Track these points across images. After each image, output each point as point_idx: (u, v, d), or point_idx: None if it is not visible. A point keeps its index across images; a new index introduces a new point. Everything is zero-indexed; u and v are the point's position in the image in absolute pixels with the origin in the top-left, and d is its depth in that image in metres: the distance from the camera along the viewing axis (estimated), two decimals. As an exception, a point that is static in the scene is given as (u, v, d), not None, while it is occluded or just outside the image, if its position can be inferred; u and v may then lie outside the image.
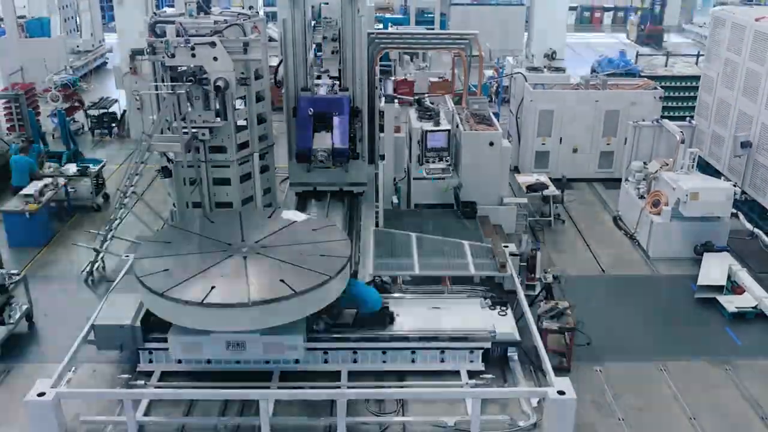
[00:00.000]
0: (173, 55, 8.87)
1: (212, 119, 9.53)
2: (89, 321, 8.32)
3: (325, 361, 8.34)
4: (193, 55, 8.91)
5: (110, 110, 17.69)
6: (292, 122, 10.51)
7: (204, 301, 7.42)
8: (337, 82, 10.74)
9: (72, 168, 13.06)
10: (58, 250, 11.76)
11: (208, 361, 8.43)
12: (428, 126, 11.85)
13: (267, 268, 8.06)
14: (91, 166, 13.23)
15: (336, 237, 8.79)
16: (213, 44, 8.91)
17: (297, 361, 8.30)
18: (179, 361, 8.43)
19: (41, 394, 7.18)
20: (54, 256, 11.56)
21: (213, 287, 7.63)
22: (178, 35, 8.94)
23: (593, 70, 17.28)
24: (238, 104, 10.02)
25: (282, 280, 7.73)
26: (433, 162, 11.77)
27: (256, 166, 10.29)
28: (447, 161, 11.65)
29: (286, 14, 9.93)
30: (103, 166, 13.57)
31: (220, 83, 9.04)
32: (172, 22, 9.15)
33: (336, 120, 9.98)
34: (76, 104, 17.07)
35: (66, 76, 16.85)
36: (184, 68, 9.13)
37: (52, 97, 14.16)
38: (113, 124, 17.38)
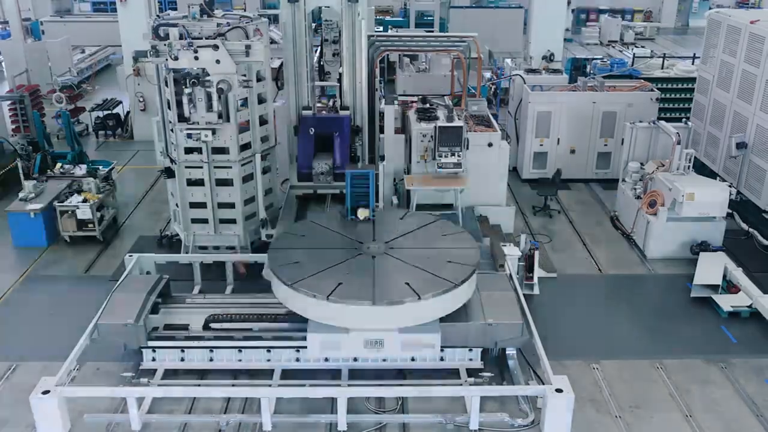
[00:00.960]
0: (176, 58, 8.98)
1: (215, 121, 9.65)
2: (93, 319, 8.39)
3: (326, 359, 8.44)
4: (196, 58, 9.02)
5: (114, 112, 17.81)
6: (293, 140, 10.85)
7: (329, 297, 7.66)
8: (338, 100, 11.12)
9: (82, 169, 13.13)
10: (61, 249, 11.85)
11: (210, 359, 8.53)
12: (441, 122, 11.95)
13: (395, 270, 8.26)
14: (101, 167, 13.31)
15: (466, 245, 8.93)
16: (216, 47, 9.02)
17: (297, 360, 8.41)
18: (182, 359, 8.53)
19: (46, 392, 7.26)
20: (57, 256, 11.65)
21: (340, 283, 7.85)
22: (181, 38, 9.05)
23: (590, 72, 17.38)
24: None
25: (407, 284, 7.88)
26: (446, 156, 11.86)
27: (257, 166, 10.41)
28: (459, 156, 11.74)
29: (287, 18, 10.18)
30: (113, 168, 13.60)
31: (222, 86, 9.16)
32: (175, 25, 9.26)
33: (337, 140, 10.20)
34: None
35: (70, 78, 16.94)
36: (187, 70, 9.26)
37: (56, 99, 14.25)
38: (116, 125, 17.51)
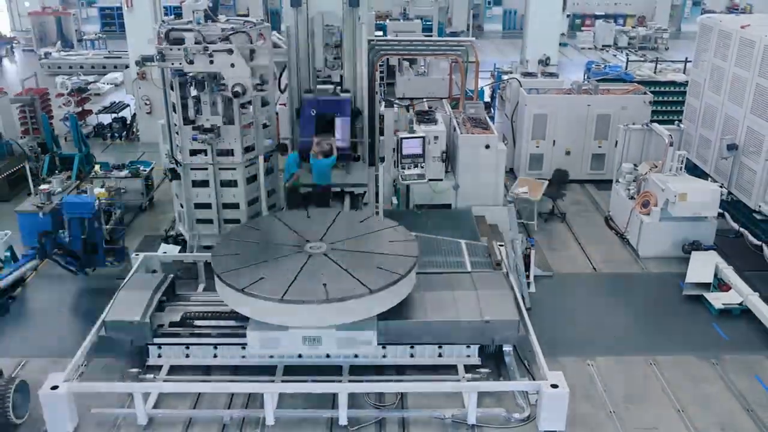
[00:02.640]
0: (192, 62, 9.11)
1: (219, 123, 9.83)
2: (101, 317, 8.57)
3: (327, 356, 8.64)
4: (212, 62, 9.17)
5: (120, 115, 17.98)
6: (296, 123, 10.81)
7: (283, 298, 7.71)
8: (339, 87, 10.97)
9: (123, 171, 13.33)
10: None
11: (215, 356, 8.71)
12: (403, 133, 12.16)
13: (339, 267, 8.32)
14: (141, 167, 13.47)
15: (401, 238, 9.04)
16: (230, 51, 9.16)
17: (300, 356, 8.60)
18: (186, 356, 8.70)
19: (54, 387, 7.46)
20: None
21: (262, 278, 7.94)
22: (196, 43, 9.19)
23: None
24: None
25: (357, 279, 8.00)
26: (409, 168, 12.03)
27: (261, 168, 10.58)
28: (422, 167, 11.90)
29: (290, 22, 10.27)
30: (153, 168, 13.76)
31: (237, 89, 9.28)
32: (187, 30, 9.41)
33: (338, 121, 10.21)
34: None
35: (77, 80, 17.10)
36: (192, 74, 9.43)
37: (64, 102, 14.46)
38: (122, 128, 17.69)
